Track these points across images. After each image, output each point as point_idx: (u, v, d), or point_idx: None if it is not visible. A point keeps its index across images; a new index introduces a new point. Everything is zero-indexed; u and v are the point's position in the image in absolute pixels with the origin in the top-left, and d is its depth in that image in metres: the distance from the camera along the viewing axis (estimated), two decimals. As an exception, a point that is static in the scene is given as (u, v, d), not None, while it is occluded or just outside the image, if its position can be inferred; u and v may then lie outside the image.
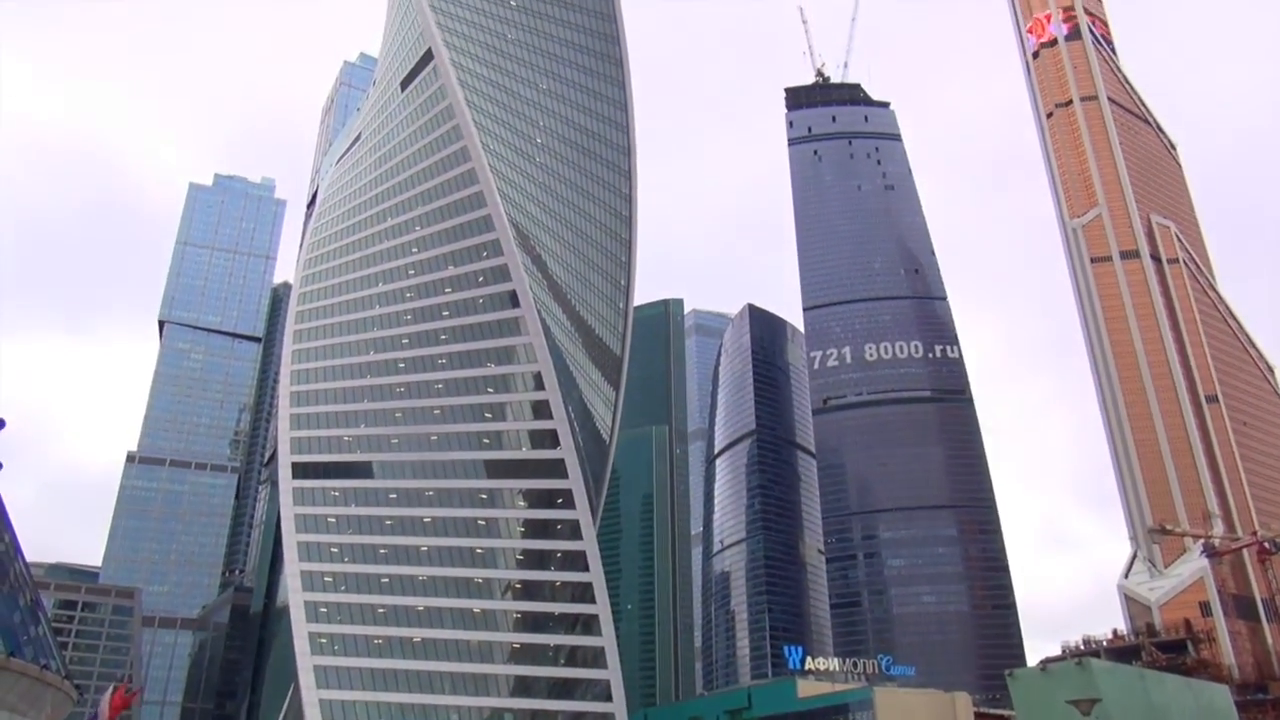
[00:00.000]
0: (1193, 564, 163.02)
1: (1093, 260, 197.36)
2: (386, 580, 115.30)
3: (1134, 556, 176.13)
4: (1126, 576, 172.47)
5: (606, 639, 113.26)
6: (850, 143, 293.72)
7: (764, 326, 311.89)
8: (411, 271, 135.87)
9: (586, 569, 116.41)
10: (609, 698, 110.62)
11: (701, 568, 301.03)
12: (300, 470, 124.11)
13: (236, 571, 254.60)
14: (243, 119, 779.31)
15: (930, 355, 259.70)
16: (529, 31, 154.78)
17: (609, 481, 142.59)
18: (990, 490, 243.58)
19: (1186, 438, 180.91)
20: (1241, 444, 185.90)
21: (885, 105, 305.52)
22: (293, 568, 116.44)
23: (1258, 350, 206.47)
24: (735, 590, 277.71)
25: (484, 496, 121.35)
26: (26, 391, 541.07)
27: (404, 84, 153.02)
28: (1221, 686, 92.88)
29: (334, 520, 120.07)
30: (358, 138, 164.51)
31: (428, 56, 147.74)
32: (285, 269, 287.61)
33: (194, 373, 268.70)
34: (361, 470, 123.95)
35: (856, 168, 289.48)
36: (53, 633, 62.22)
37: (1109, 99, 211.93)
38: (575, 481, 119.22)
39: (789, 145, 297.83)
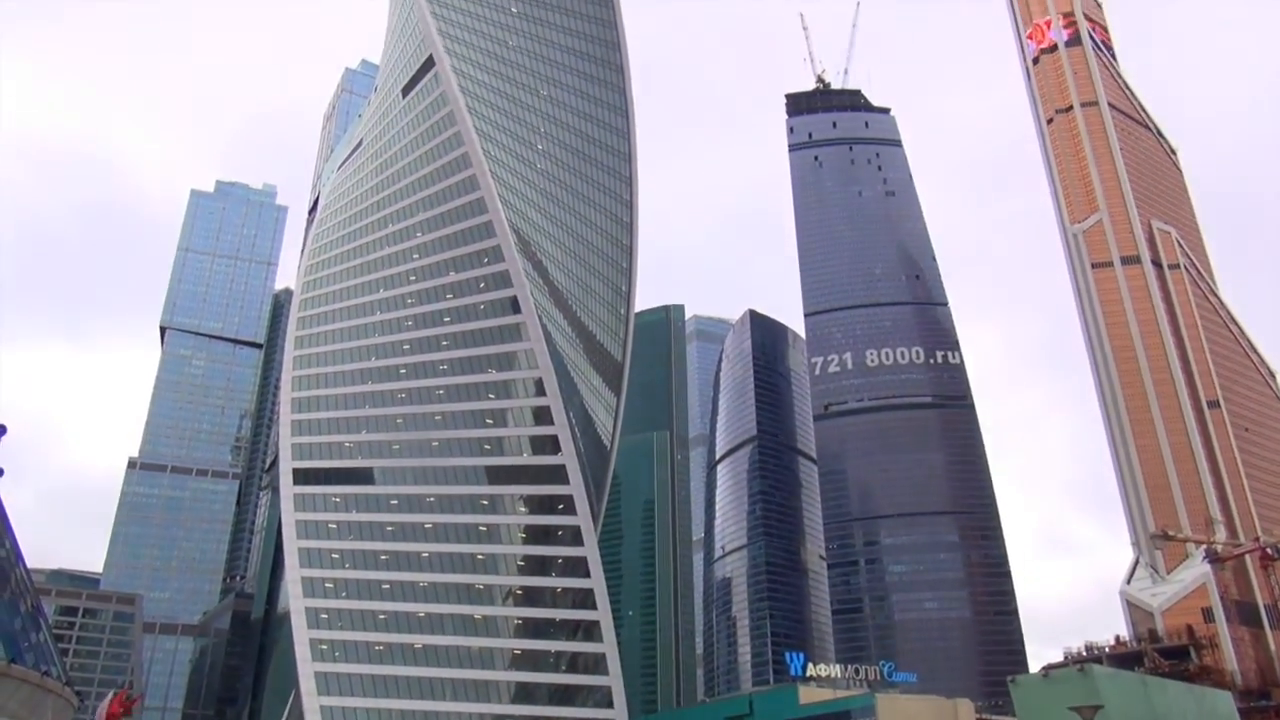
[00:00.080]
0: (1195, 570, 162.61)
1: (1093, 265, 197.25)
2: (387, 586, 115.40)
3: (1136, 562, 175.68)
4: (1129, 582, 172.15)
5: (608, 645, 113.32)
6: (851, 148, 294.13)
7: (765, 332, 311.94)
8: (413, 277, 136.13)
9: (587, 575, 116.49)
10: (610, 704, 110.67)
11: (703, 574, 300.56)
12: (301, 476, 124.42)
13: (237, 578, 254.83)
14: (244, 125, 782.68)
15: (931, 361, 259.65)
16: (530, 38, 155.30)
17: (610, 487, 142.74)
18: (992, 496, 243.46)
19: (1188, 443, 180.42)
20: (1243, 449, 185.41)
21: (886, 111, 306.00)
22: (294, 574, 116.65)
23: (1259, 355, 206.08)
24: (737, 596, 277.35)
25: (485, 502, 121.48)
26: (27, 397, 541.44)
27: (405, 90, 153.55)
28: (1224, 693, 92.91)
29: (335, 526, 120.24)
30: (359, 144, 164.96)
31: (429, 63, 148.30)
32: (286, 275, 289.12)
33: (195, 379, 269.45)
34: (362, 476, 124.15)
35: (857, 173, 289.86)
36: (54, 639, 62.28)
37: (1109, 104, 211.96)
38: (576, 487, 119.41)
39: (790, 151, 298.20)
